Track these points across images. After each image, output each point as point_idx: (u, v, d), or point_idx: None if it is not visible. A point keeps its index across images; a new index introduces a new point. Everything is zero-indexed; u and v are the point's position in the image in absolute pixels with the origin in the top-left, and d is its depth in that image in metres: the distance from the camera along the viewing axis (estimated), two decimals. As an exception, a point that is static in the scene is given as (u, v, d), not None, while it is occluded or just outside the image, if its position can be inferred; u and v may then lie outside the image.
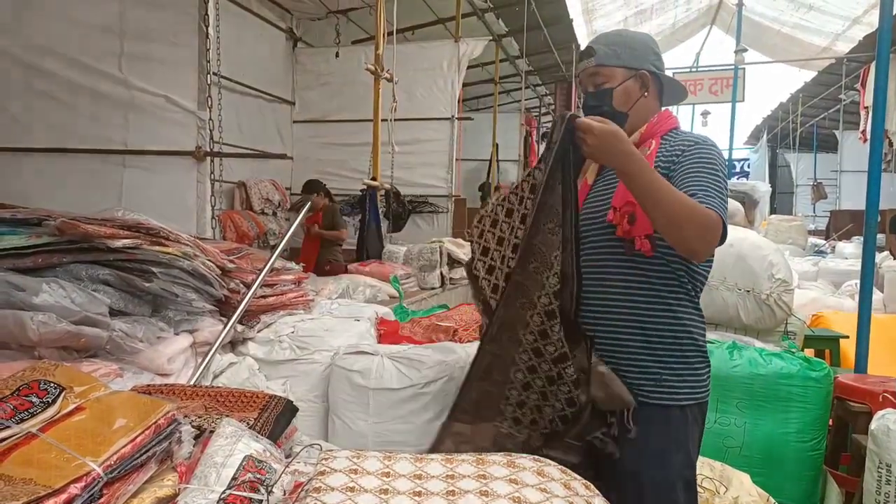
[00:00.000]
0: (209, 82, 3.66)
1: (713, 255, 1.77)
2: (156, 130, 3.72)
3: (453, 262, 5.73)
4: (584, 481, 1.29)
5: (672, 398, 1.71)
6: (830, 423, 3.16)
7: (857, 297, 4.63)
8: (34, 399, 1.23)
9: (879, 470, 2.45)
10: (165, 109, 3.68)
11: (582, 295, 1.85)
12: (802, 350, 3.85)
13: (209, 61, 3.64)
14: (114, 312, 2.02)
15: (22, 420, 1.18)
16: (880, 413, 2.57)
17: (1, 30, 3.85)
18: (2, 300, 1.85)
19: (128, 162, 3.80)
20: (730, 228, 2.86)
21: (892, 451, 2.41)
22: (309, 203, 3.89)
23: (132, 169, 3.79)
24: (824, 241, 11.94)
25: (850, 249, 9.87)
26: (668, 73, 1.99)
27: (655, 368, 1.72)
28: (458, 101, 8.00)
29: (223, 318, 2.41)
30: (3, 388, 1.28)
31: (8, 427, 1.16)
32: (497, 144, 10.49)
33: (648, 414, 1.70)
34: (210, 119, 3.67)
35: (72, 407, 1.24)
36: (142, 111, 3.72)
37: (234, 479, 1.20)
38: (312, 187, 6.37)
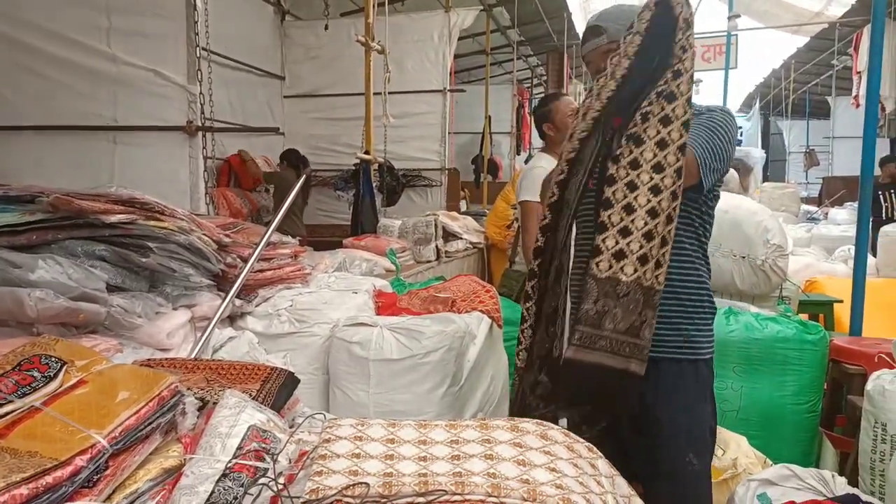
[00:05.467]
0: (198, 56, 3.60)
1: (718, 194, 1.83)
2: (145, 106, 3.67)
3: (448, 235, 5.71)
4: (586, 443, 1.29)
5: (698, 353, 1.79)
6: (825, 385, 3.19)
7: (850, 263, 4.65)
8: (35, 374, 1.23)
9: (875, 429, 2.48)
10: (154, 84, 3.63)
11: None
12: (797, 315, 3.87)
13: (198, 34, 3.59)
14: (111, 288, 2.01)
15: (24, 394, 1.18)
16: (876, 374, 2.59)
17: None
18: (-2, 278, 1.84)
19: (118, 138, 3.75)
20: (725, 195, 2.86)
21: (888, 411, 2.43)
22: (303, 178, 3.85)
23: (123, 146, 3.75)
24: (817, 208, 11.97)
25: (843, 216, 9.89)
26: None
27: (685, 325, 1.77)
28: (450, 73, 7.91)
29: (221, 293, 2.40)
30: (4, 364, 1.28)
31: (11, 402, 1.15)
32: (490, 117, 10.39)
33: (679, 369, 1.75)
34: (200, 93, 3.63)
35: (74, 381, 1.23)
36: (130, 86, 3.67)
37: (239, 448, 1.21)
38: (285, 156, 6.48)
